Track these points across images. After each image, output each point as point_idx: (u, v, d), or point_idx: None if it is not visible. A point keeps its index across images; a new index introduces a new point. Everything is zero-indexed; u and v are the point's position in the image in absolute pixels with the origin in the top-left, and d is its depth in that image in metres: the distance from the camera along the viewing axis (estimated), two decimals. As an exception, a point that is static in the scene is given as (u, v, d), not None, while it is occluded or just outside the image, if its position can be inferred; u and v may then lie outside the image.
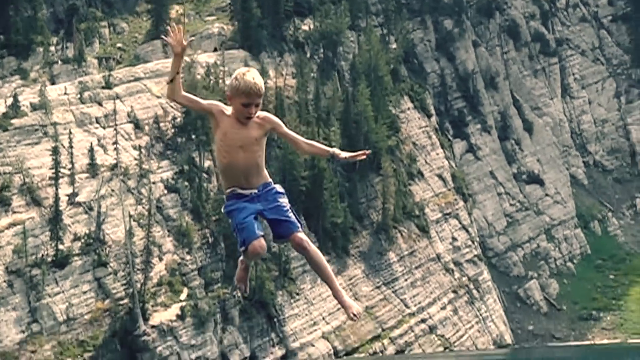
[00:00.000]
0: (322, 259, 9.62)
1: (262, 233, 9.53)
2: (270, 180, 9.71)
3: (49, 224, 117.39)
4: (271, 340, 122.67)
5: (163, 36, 9.63)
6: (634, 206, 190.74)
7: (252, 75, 9.32)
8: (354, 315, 9.52)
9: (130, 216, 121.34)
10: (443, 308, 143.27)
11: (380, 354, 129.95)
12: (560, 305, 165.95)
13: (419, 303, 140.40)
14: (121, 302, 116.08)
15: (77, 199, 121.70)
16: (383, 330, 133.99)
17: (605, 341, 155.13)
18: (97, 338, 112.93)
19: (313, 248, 9.59)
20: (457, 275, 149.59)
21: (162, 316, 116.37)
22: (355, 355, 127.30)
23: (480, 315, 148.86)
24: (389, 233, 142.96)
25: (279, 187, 9.72)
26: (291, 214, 9.64)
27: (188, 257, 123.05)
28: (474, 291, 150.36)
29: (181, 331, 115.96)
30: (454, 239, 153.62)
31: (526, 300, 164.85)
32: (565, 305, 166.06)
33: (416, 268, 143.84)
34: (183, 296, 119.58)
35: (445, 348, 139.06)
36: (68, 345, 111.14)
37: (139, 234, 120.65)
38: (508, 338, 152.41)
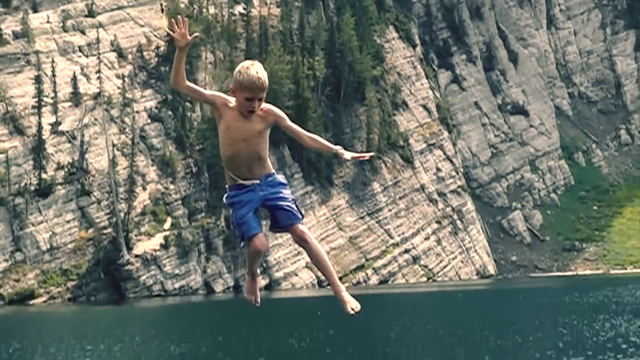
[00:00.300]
0: (323, 252, 9.63)
1: (261, 230, 9.53)
2: (273, 171, 9.67)
3: (32, 153, 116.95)
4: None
5: (168, 29, 9.40)
6: (618, 137, 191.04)
7: (255, 70, 9.26)
8: (353, 309, 9.33)
9: (114, 145, 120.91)
10: (427, 239, 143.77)
11: (364, 284, 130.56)
12: (544, 236, 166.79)
13: (403, 233, 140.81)
14: (105, 232, 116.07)
15: (60, 127, 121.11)
16: (367, 260, 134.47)
17: (588, 272, 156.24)
18: (81, 267, 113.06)
19: (314, 241, 9.58)
20: (441, 206, 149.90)
21: (146, 245, 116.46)
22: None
23: (464, 246, 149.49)
24: (373, 164, 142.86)
25: (281, 178, 9.68)
26: (293, 205, 9.59)
27: (172, 187, 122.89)
28: (458, 222, 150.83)
29: (165, 260, 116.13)
30: (438, 169, 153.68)
31: (509, 231, 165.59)
32: (548, 236, 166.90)
33: (400, 199, 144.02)
34: (167, 225, 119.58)
35: (428, 278, 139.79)
36: (52, 274, 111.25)
37: (122, 163, 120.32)
38: (491, 269, 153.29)
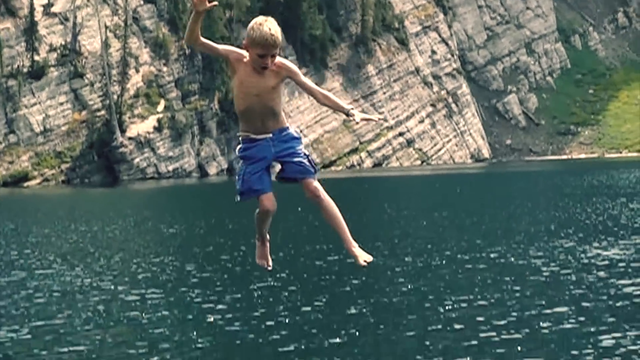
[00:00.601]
0: (336, 209, 9.48)
1: (271, 189, 9.44)
2: (287, 125, 9.57)
3: (24, 35, 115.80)
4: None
5: None
6: (615, 20, 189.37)
7: (268, 26, 9.17)
8: (365, 261, 9.23)
9: (107, 27, 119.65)
10: (421, 122, 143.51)
11: (358, 167, 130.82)
12: (539, 120, 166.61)
13: (397, 116, 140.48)
14: (98, 114, 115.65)
15: (53, 9, 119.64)
16: (361, 143, 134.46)
17: (582, 156, 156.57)
18: (74, 149, 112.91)
19: (327, 198, 9.47)
20: (435, 88, 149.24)
21: (139, 128, 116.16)
22: (333, 168, 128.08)
23: (459, 129, 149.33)
24: (367, 46, 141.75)
25: (294, 132, 9.58)
26: (305, 160, 9.49)
27: (165, 69, 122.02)
28: (453, 105, 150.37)
29: (158, 143, 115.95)
30: (433, 52, 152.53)
31: (504, 115, 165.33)
32: (543, 120, 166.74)
33: (395, 81, 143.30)
34: (160, 108, 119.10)
35: (422, 161, 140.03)
36: (45, 157, 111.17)
37: (115, 45, 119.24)
38: (486, 152, 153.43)
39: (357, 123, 9.51)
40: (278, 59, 9.31)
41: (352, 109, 9.51)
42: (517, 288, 21.02)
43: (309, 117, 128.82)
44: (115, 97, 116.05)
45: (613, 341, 14.38)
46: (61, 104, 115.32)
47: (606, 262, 24.92)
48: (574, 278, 22.33)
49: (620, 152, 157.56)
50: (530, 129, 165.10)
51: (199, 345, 15.48)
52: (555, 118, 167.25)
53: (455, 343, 15.24)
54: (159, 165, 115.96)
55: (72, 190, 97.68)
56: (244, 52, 9.31)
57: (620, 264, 24.45)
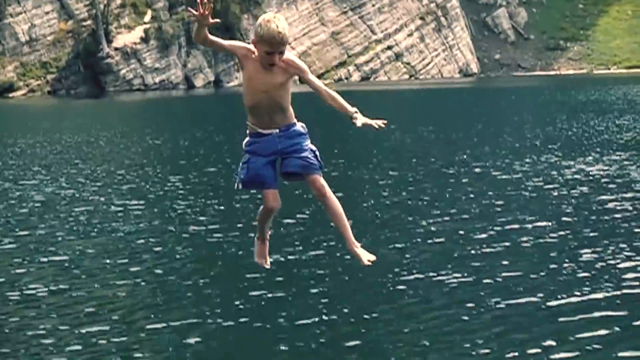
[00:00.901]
0: (341, 208, 9.50)
1: (276, 186, 9.51)
2: (294, 120, 9.61)
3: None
4: (235, 65, 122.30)
5: (190, 8, 9.38)
6: None
7: (276, 24, 9.15)
8: (369, 261, 9.26)
9: None
10: (410, 35, 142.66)
11: (346, 81, 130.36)
12: (528, 35, 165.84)
13: (386, 29, 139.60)
14: (84, 24, 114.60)
15: None
16: (349, 56, 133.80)
17: (571, 72, 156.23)
18: (60, 60, 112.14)
19: (333, 197, 9.49)
20: (425, 1, 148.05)
21: (126, 38, 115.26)
22: (321, 81, 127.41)
23: (447, 43, 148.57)
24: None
25: (301, 128, 9.59)
26: (310, 155, 9.50)
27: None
28: (442, 18, 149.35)
29: (145, 54, 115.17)
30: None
31: (494, 29, 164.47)
32: (532, 35, 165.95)
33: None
34: (147, 18, 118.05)
35: (410, 76, 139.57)
36: (31, 67, 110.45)
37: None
38: (474, 67, 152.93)
39: (361, 125, 9.37)
40: (286, 56, 9.33)
41: (356, 112, 9.41)
42: (500, 202, 21.07)
43: (297, 30, 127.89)
44: (101, 6, 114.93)
45: (595, 255, 14.47)
46: (47, 13, 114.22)
47: (590, 178, 24.97)
48: (556, 193, 22.39)
49: (609, 69, 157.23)
50: (519, 44, 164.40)
51: (180, 256, 15.51)
52: (545, 33, 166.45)
53: (436, 256, 15.31)
54: (145, 77, 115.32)
55: (58, 101, 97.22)
56: (252, 47, 9.31)
57: (604, 180, 24.51)
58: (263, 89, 9.36)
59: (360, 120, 9.35)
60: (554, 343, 9.98)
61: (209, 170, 29.64)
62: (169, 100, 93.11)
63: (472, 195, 22.36)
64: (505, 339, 10.20)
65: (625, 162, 27.96)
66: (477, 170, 27.77)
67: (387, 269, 14.29)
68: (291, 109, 9.61)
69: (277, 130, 9.42)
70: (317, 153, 9.52)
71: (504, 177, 26.07)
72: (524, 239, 16.27)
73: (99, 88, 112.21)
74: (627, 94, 75.88)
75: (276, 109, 9.44)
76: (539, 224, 17.81)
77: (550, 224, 17.79)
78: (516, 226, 17.63)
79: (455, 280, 13.17)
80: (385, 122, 9.88)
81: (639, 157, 29.25)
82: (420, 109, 67.57)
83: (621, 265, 13.64)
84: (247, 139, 9.58)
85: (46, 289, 13.18)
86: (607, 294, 11.98)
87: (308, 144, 9.53)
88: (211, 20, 9.10)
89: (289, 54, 9.44)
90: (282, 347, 9.76)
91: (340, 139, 39.79)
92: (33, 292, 13.03)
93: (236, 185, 9.55)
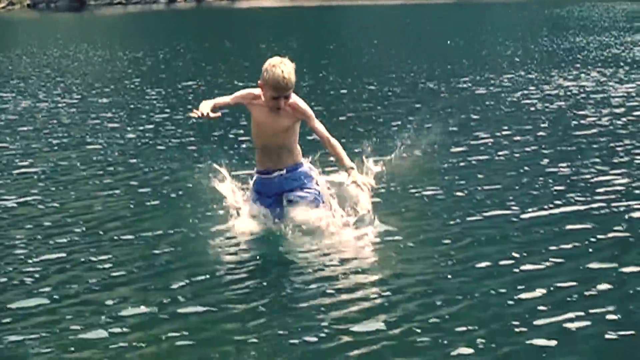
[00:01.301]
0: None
1: (273, 212, 10.21)
2: (301, 160, 10.33)
3: None
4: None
5: (190, 113, 10.18)
6: None
7: (281, 69, 9.63)
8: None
9: None
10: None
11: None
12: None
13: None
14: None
15: None
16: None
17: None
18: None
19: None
20: None
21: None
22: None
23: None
24: None
25: (307, 169, 10.28)
26: (311, 191, 10.20)
27: None
28: None
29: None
30: None
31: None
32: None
33: None
34: None
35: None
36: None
37: None
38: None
39: (351, 182, 10.04)
40: (293, 99, 9.84)
41: (352, 168, 10.04)
42: (477, 117, 21.09)
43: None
44: None
45: (569, 170, 14.54)
46: None
47: (568, 93, 24.99)
48: (533, 108, 22.42)
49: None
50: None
51: (156, 169, 15.51)
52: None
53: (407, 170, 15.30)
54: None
55: (38, 15, 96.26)
56: (255, 91, 9.92)
57: (581, 95, 24.55)
58: (271, 132, 9.88)
59: (352, 178, 9.96)
60: (525, 254, 10.11)
61: (188, 84, 29.52)
62: (149, 15, 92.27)
63: (449, 110, 22.37)
64: (475, 251, 10.30)
65: (604, 79, 27.98)
66: (460, 85, 27.74)
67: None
68: (298, 148, 10.23)
69: (284, 172, 10.06)
70: (320, 196, 10.17)
71: (482, 91, 26.06)
72: (500, 152, 16.32)
73: (80, 1, 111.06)
74: (609, 10, 75.55)
75: (284, 150, 9.99)
76: (515, 138, 17.86)
77: (526, 138, 17.83)
78: (491, 140, 17.68)
79: (429, 192, 13.17)
80: (375, 185, 10.31)
81: (618, 74, 29.26)
82: (404, 25, 67.19)
83: (594, 180, 13.73)
84: (255, 176, 10.32)
85: (19, 200, 13.19)
86: (580, 208, 12.07)
87: (314, 184, 10.20)
88: (212, 115, 9.66)
89: (296, 98, 9.93)
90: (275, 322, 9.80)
91: (323, 53, 39.64)
92: (4, 202, 13.04)
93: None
